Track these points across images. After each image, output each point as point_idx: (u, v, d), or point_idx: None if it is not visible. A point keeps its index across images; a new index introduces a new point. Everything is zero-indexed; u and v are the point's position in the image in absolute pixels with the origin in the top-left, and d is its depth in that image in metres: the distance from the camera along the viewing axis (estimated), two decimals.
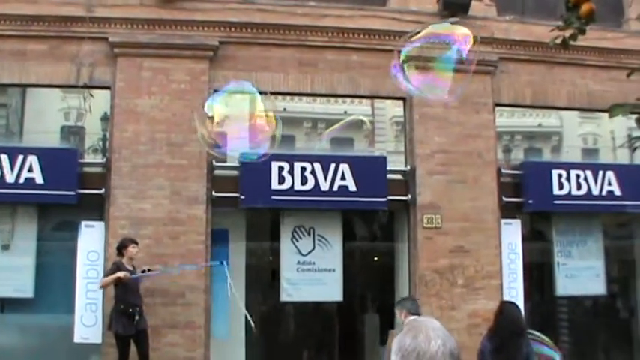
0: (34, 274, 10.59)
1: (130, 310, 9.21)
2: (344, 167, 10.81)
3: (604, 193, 11.63)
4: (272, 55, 11.05)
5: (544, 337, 7.22)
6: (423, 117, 11.27)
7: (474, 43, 5.16)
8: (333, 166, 10.79)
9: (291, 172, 10.66)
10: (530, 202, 11.37)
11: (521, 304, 10.93)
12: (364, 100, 11.79)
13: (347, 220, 11.65)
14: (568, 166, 11.69)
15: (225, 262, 9.76)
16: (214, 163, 10.57)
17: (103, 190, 10.43)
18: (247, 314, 9.53)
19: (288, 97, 11.35)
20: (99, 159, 10.88)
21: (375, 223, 12.71)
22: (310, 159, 10.82)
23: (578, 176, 11.58)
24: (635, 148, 10.84)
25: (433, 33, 5.51)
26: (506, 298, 10.81)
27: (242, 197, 10.51)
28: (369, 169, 11.04)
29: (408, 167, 11.26)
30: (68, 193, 10.30)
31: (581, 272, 11.92)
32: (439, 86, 5.47)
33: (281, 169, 10.62)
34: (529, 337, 6.73)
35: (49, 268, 10.77)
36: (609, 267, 12.24)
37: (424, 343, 2.41)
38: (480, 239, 11.12)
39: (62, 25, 10.70)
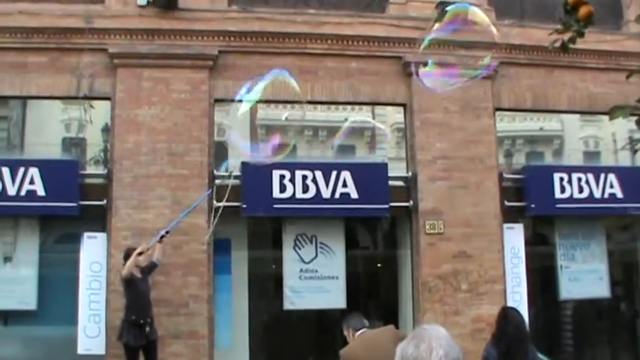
0: (37, 286, 10.59)
1: (142, 321, 9.19)
2: (345, 174, 10.80)
3: (606, 195, 11.60)
4: (272, 64, 10.96)
5: None
6: (424, 123, 11.26)
7: None
8: (334, 173, 10.78)
9: (292, 180, 10.65)
10: (533, 206, 11.34)
11: (525, 308, 10.94)
12: (364, 107, 11.77)
13: (349, 227, 11.62)
14: (570, 170, 11.68)
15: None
16: (215, 172, 10.56)
17: (105, 201, 10.44)
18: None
19: (289, 106, 11.34)
20: (100, 170, 10.88)
21: (377, 229, 12.68)
22: (311, 167, 10.81)
23: (580, 179, 11.55)
24: (636, 150, 10.90)
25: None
26: (510, 302, 10.77)
27: (244, 206, 10.49)
28: (371, 176, 11.03)
29: (410, 173, 11.25)
30: (70, 204, 10.29)
31: (585, 275, 11.89)
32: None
33: (282, 177, 10.61)
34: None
35: (52, 280, 10.76)
36: (613, 270, 12.19)
37: (425, 353, 2.38)
38: (483, 244, 11.09)
39: (62, 36, 10.73)
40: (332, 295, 11.02)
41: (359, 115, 11.66)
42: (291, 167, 10.67)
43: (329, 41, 11.25)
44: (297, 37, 11.16)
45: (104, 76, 10.77)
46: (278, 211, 10.70)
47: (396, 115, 11.67)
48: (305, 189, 10.67)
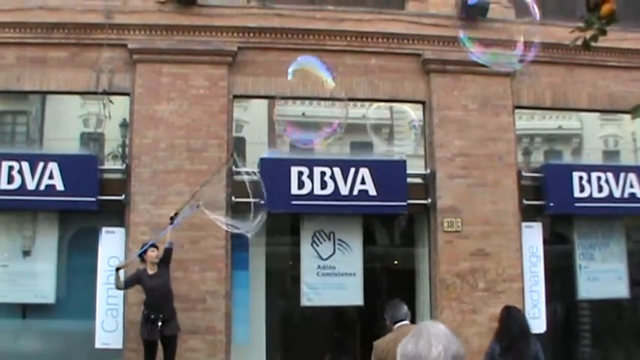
0: (55, 280, 10.68)
1: (153, 316, 9.22)
2: (364, 171, 10.78)
3: (626, 195, 11.50)
4: (291, 60, 10.95)
5: None
6: (442, 120, 11.23)
7: None
8: (352, 170, 10.77)
9: (310, 176, 10.65)
10: (552, 204, 11.26)
11: (542, 307, 10.96)
12: (383, 104, 11.74)
13: (367, 224, 11.61)
14: (589, 169, 11.58)
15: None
16: (234, 168, 10.57)
17: (123, 196, 10.48)
18: None
19: (307, 102, 11.35)
20: (118, 165, 10.94)
21: (395, 227, 12.64)
22: (330, 163, 10.80)
23: (599, 178, 11.46)
24: None
25: None
26: (527, 301, 10.81)
27: (262, 202, 10.48)
28: (389, 173, 11.01)
29: (428, 170, 11.21)
30: (88, 199, 10.36)
31: (604, 275, 11.80)
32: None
33: (300, 173, 10.62)
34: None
35: (70, 274, 10.85)
36: (632, 270, 12.06)
37: (425, 350, 2.39)
38: (501, 242, 11.04)
39: (82, 32, 10.78)
40: (349, 292, 11.00)
41: (377, 112, 11.63)
42: (310, 164, 10.69)
43: (348, 38, 11.23)
44: (316, 33, 11.14)
45: (123, 72, 10.81)
46: (296, 208, 10.69)
47: (415, 112, 11.61)
48: (323, 185, 10.67)
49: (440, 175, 11.09)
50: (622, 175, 11.57)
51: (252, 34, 11.03)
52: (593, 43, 5.56)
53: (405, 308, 6.51)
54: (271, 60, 10.96)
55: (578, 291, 11.75)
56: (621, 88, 11.85)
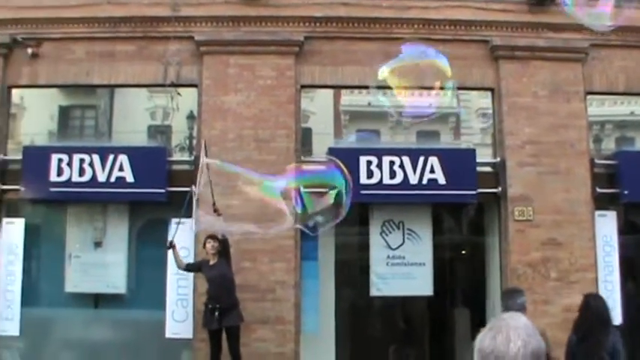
0: (126, 271, 10.87)
1: (210, 306, 9.31)
2: (432, 160, 10.65)
3: None
4: (357, 49, 10.96)
5: None
6: (512, 107, 11.01)
7: None
8: (421, 159, 10.64)
9: (379, 165, 10.57)
10: (626, 192, 10.93)
11: (617, 297, 10.67)
12: (449, 92, 11.56)
13: (436, 213, 11.47)
14: None
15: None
16: (302, 158, 10.55)
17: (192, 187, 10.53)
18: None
19: (373, 91, 11.25)
20: (186, 157, 11.01)
21: (464, 216, 12.46)
22: (398, 152, 10.71)
23: None
24: None
25: None
26: (602, 291, 10.47)
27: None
28: (458, 162, 10.87)
29: (498, 159, 11.01)
30: (158, 190, 10.49)
31: None
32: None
33: (369, 163, 10.55)
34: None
35: (141, 264, 11.02)
36: None
37: (503, 345, 2.25)
38: (574, 232, 10.77)
39: (149, 25, 10.90)
40: (419, 282, 10.90)
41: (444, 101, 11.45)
42: (379, 153, 10.62)
43: (415, 26, 11.07)
44: (383, 21, 11.03)
45: (190, 64, 10.89)
46: (365, 197, 10.58)
47: (482, 100, 11.44)
48: (392, 175, 10.57)
49: (510, 164, 10.89)
50: None
51: (318, 24, 10.97)
52: None
53: (521, 298, 6.44)
54: (338, 49, 10.91)
55: None
56: None
